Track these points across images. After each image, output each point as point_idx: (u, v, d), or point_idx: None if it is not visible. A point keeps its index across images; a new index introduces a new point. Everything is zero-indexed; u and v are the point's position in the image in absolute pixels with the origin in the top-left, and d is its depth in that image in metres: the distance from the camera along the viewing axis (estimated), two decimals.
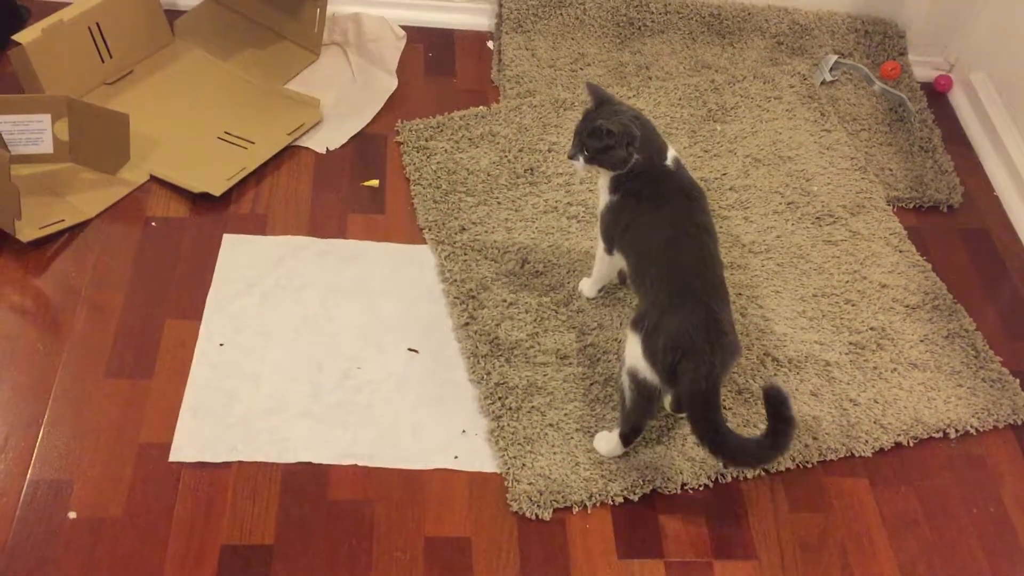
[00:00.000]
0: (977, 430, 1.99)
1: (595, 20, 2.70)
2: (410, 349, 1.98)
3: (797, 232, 2.28)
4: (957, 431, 1.98)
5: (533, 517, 1.75)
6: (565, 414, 1.88)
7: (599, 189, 1.87)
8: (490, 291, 2.06)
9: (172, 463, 1.75)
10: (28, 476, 1.71)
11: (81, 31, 2.29)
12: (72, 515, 1.67)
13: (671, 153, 1.82)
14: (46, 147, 2.16)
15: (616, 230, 1.85)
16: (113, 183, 2.19)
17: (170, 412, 1.81)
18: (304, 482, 1.76)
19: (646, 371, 1.67)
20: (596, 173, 1.84)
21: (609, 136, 1.74)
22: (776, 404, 1.62)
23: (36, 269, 2.02)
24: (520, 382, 1.92)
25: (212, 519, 1.69)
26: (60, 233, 2.08)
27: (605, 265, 1.98)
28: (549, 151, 2.36)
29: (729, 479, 1.85)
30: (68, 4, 2.29)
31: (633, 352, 1.70)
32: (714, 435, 1.66)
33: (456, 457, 1.82)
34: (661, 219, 1.77)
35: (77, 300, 1.98)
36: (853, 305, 2.15)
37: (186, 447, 1.77)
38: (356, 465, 1.79)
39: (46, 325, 1.95)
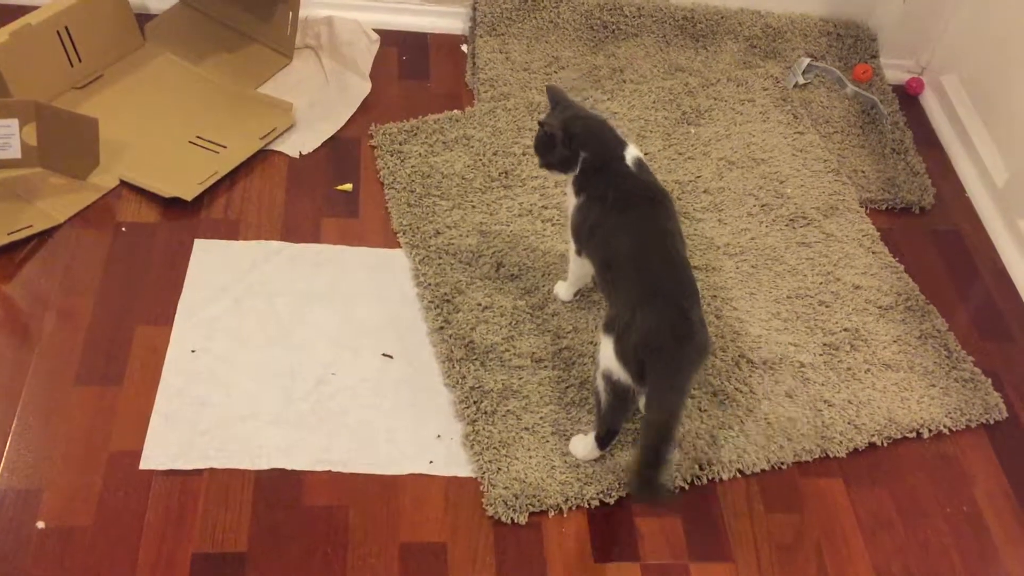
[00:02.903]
0: (950, 430, 2.00)
1: (569, 23, 2.71)
2: (384, 354, 1.97)
3: (771, 234, 2.29)
4: (930, 431, 1.99)
5: (509, 521, 1.74)
6: (541, 417, 1.88)
7: (567, 192, 1.88)
8: (465, 295, 2.05)
9: (143, 471, 1.73)
10: None
11: (50, 35, 2.26)
12: (41, 525, 1.64)
13: (631, 153, 1.83)
14: (14, 152, 2.13)
15: (583, 231, 1.86)
16: (83, 188, 2.16)
17: (141, 419, 1.79)
18: (277, 489, 1.74)
19: (619, 372, 1.67)
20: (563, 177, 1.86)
21: (549, 136, 1.79)
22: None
23: (4, 275, 1.99)
24: (495, 386, 1.91)
25: (184, 527, 1.67)
26: (29, 239, 2.05)
27: (578, 267, 1.98)
28: (523, 154, 2.36)
29: (705, 481, 1.85)
30: (36, 7, 2.27)
31: (607, 354, 1.70)
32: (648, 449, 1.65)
33: (431, 462, 1.81)
34: (626, 225, 1.78)
35: (46, 307, 1.95)
36: (827, 306, 2.16)
37: (157, 455, 1.75)
38: (330, 471, 1.77)
39: (14, 332, 1.92)
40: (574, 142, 1.80)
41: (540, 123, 1.81)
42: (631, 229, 1.77)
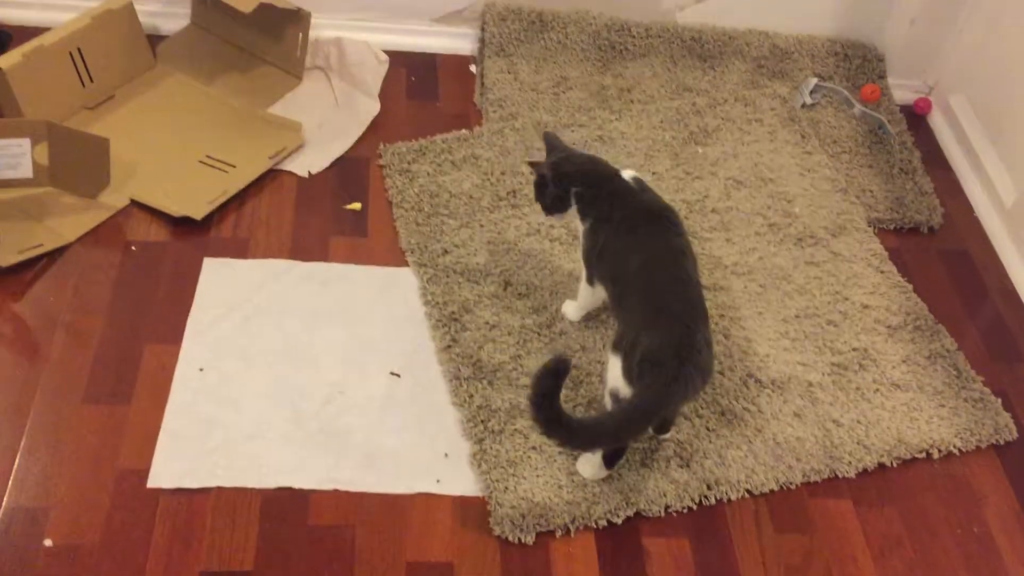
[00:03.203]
0: (960, 450, 1.99)
1: (577, 44, 2.72)
2: (392, 373, 1.97)
3: (779, 253, 2.29)
4: (940, 451, 1.98)
5: (516, 541, 1.74)
6: None
7: (575, 218, 1.91)
8: (473, 314, 2.06)
9: (150, 489, 1.73)
10: (3, 503, 1.68)
11: (62, 56, 2.29)
12: (48, 543, 1.64)
13: (628, 174, 1.88)
14: (25, 171, 2.15)
15: (593, 256, 1.87)
16: (93, 207, 2.18)
17: (149, 438, 1.79)
18: (284, 507, 1.74)
19: (626, 391, 1.67)
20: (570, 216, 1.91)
21: (541, 178, 1.87)
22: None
23: (14, 294, 2.00)
24: (503, 405, 1.91)
25: (191, 545, 1.66)
26: (39, 258, 2.06)
27: (588, 295, 1.99)
28: (532, 174, 2.37)
29: (713, 501, 1.84)
30: (49, 29, 2.29)
31: (614, 374, 1.69)
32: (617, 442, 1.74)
33: (438, 481, 1.81)
34: (634, 244, 1.79)
35: (56, 325, 1.96)
36: (835, 326, 2.15)
37: (165, 473, 1.75)
38: (337, 490, 1.77)
39: (24, 350, 1.93)
40: (563, 181, 1.85)
41: (530, 163, 1.90)
42: (638, 247, 1.78)
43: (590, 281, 1.94)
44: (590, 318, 2.07)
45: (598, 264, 1.88)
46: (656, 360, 1.62)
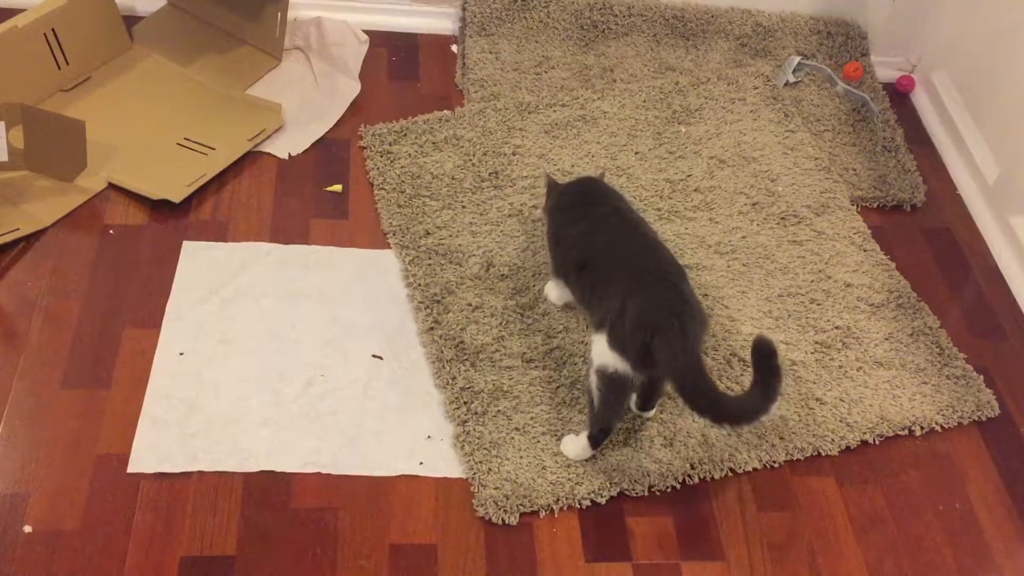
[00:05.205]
0: (942, 427, 2.00)
1: (559, 23, 2.70)
2: (374, 355, 1.96)
3: (762, 232, 2.28)
4: (922, 428, 1.99)
5: (500, 522, 1.74)
6: (531, 418, 1.87)
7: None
8: (455, 295, 2.05)
9: (131, 474, 1.72)
10: None
11: (37, 37, 2.25)
12: (28, 529, 1.63)
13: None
14: (0, 155, 2.12)
15: (551, 244, 1.94)
16: (70, 191, 2.15)
17: (129, 422, 1.78)
18: (266, 491, 1.73)
19: (616, 362, 1.66)
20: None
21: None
22: (765, 355, 1.60)
23: None
24: (486, 386, 1.90)
25: (172, 531, 1.66)
26: (16, 242, 2.04)
27: (560, 288, 2.01)
28: (514, 154, 2.35)
29: (697, 480, 1.84)
30: (23, 10, 2.26)
31: (600, 349, 1.69)
32: (714, 405, 1.62)
33: (421, 463, 1.80)
34: (594, 226, 1.85)
35: (33, 309, 1.94)
36: (818, 304, 2.15)
37: (145, 458, 1.74)
38: (319, 473, 1.77)
39: (1, 335, 1.91)
40: (551, 194, 2.04)
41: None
42: (600, 228, 1.84)
43: (555, 273, 1.97)
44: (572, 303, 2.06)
45: (557, 253, 1.92)
46: (654, 323, 1.62)
